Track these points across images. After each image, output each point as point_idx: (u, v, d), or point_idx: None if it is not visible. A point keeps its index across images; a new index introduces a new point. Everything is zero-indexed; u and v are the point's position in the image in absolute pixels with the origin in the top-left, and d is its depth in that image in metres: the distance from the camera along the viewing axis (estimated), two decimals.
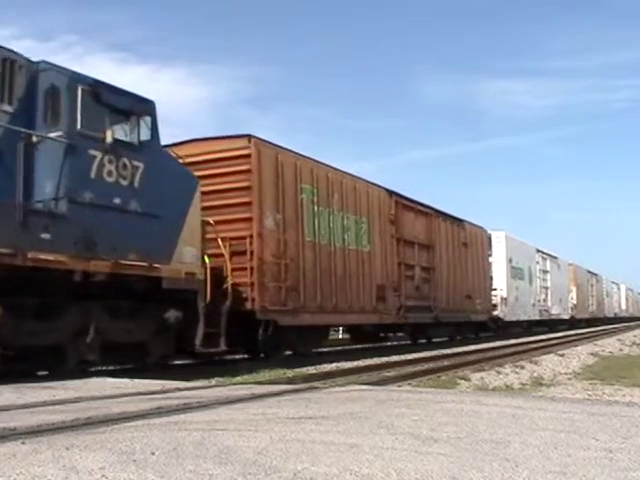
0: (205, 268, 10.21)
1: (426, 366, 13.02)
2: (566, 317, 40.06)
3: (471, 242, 22.68)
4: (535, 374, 12.40)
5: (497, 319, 26.45)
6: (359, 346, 18.92)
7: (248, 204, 11.95)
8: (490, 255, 26.11)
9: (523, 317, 30.47)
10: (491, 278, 25.90)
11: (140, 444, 3.47)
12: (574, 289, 42.61)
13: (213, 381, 9.14)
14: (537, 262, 34.05)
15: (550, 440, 3.78)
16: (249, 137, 12.09)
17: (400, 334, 20.67)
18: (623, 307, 69.48)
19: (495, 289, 26.62)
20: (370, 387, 7.89)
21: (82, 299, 8.52)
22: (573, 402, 6.63)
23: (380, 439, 3.74)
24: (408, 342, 20.67)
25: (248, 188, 11.98)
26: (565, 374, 12.61)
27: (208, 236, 10.86)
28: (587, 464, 3.19)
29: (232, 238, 11.64)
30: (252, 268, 11.76)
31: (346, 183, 14.92)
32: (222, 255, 11.22)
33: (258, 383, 8.56)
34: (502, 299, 27.24)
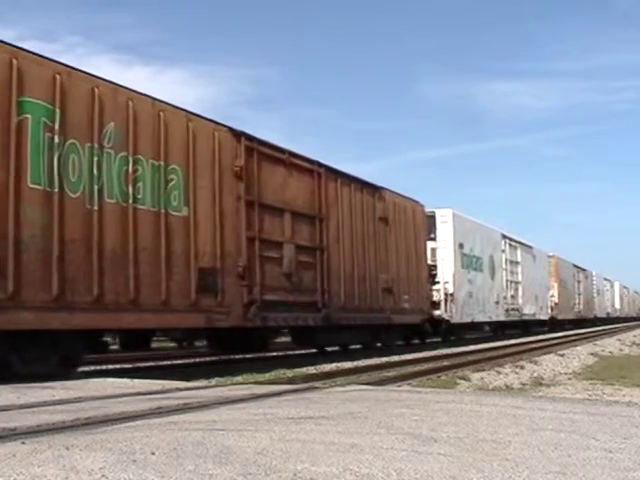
0: None
1: (426, 366, 13.03)
2: (544, 318, 33.95)
3: (395, 218, 17.06)
4: (535, 374, 12.40)
5: (441, 321, 20.59)
6: (215, 358, 14.43)
7: None
8: (433, 239, 20.58)
9: (481, 318, 24.25)
10: (433, 268, 20.33)
11: (140, 444, 3.47)
12: (555, 285, 36.47)
13: (213, 381, 9.15)
14: (503, 250, 27.33)
15: (550, 440, 3.78)
16: None
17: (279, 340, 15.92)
18: (617, 306, 62.98)
19: (437, 282, 20.56)
20: (370, 387, 7.89)
21: None
22: (573, 402, 6.64)
23: (380, 439, 3.74)
24: (313, 350, 15.97)
25: None
26: (565, 374, 12.61)
27: None
28: (587, 464, 3.19)
29: None
30: None
31: (137, 108, 9.38)
32: None
33: (258, 383, 8.58)
34: (447, 295, 20.83)
